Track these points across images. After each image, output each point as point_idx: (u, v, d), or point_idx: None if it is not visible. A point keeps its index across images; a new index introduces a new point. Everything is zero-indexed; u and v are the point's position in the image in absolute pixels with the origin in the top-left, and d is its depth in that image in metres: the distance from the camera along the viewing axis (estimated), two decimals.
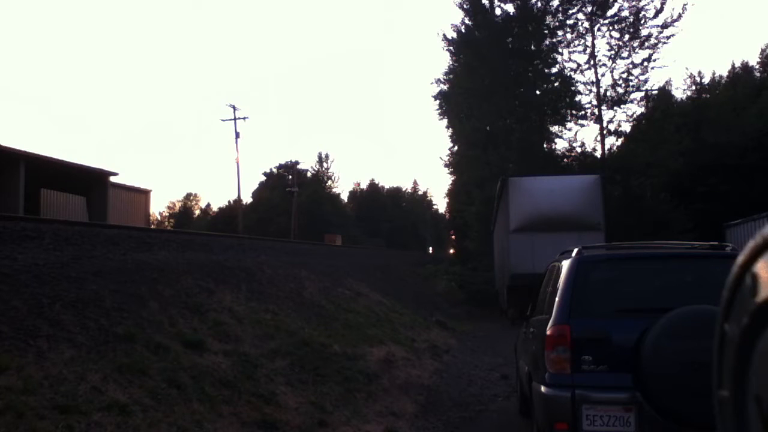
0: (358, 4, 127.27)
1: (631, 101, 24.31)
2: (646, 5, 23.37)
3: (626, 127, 24.76)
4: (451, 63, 30.34)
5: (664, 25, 23.08)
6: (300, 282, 12.39)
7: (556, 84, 25.84)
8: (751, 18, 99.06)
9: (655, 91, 25.03)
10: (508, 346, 10.40)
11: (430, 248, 71.60)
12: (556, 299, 4.67)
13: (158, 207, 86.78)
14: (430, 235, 76.34)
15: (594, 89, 24.60)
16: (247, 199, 62.59)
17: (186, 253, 11.00)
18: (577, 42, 24.99)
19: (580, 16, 24.70)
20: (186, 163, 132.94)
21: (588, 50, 24.60)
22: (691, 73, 35.95)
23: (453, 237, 36.76)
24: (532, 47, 25.56)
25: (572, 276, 4.66)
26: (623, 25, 23.76)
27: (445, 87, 31.70)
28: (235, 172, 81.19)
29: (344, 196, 74.05)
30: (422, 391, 8.38)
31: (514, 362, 8.01)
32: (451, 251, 48.78)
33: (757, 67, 35.75)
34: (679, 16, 22.84)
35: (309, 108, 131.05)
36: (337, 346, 8.84)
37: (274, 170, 67.62)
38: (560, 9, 24.90)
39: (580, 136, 52.70)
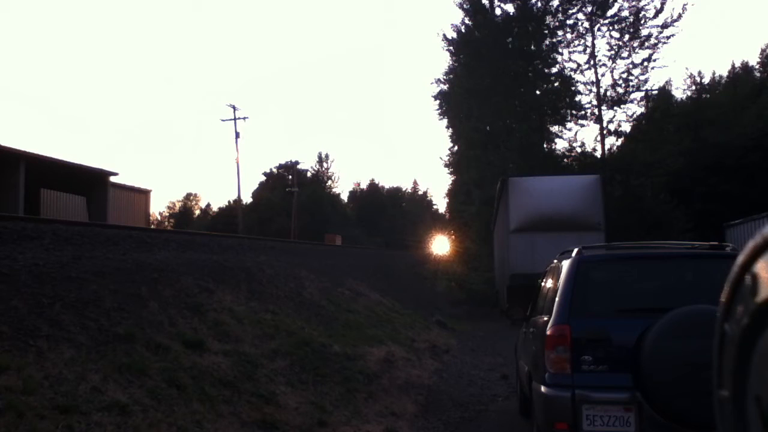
0: (358, 4, 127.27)
1: (631, 101, 24.36)
2: (646, 5, 23.44)
3: (626, 127, 24.82)
4: (451, 63, 30.32)
5: (664, 25, 23.13)
6: (300, 282, 12.38)
7: (556, 84, 25.84)
8: (751, 18, 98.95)
9: (655, 91, 25.07)
10: (508, 346, 10.40)
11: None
12: (556, 299, 4.68)
13: (158, 207, 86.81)
14: (429, 235, 76.25)
15: (594, 89, 24.64)
16: (247, 199, 62.69)
17: (186, 253, 11.00)
18: (577, 42, 25.04)
19: (580, 16, 24.75)
20: (186, 163, 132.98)
21: (588, 50, 24.65)
22: (691, 73, 36.03)
23: (452, 236, 34.54)
24: (532, 47, 25.55)
25: (572, 276, 4.66)
26: (623, 25, 23.79)
27: (445, 87, 31.63)
28: (235, 172, 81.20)
29: (344, 196, 74.22)
30: (422, 391, 8.37)
31: (514, 362, 8.01)
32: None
33: (757, 67, 35.75)
34: (679, 16, 22.91)
35: (309, 108, 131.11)
36: (337, 346, 8.84)
37: (274, 170, 67.83)
38: (560, 9, 24.92)
39: (580, 136, 52.53)
